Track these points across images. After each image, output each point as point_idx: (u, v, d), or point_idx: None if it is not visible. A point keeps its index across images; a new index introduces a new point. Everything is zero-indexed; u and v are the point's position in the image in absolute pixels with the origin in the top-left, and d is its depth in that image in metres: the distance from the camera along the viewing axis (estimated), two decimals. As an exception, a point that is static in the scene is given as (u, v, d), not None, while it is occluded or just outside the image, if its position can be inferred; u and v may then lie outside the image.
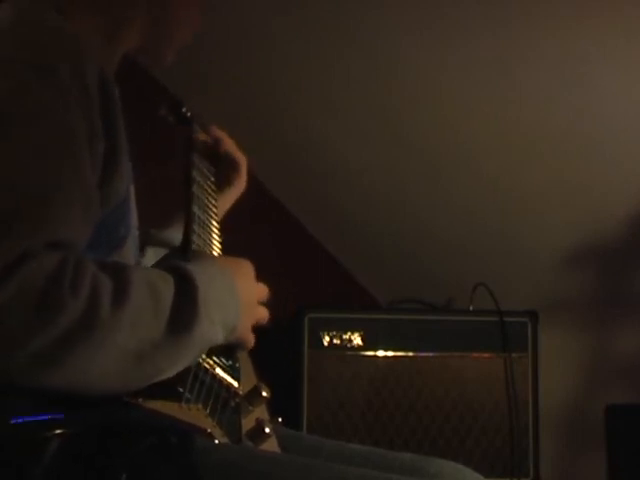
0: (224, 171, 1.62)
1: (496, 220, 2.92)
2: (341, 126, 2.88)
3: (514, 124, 2.67)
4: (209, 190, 1.53)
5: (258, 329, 1.25)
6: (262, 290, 1.26)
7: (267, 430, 1.18)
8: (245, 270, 1.23)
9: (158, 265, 1.21)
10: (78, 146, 1.09)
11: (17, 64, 1.10)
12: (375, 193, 3.03)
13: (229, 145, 1.62)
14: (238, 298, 1.16)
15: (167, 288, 1.06)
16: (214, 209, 1.51)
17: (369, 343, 2.68)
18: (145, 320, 1.02)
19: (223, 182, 1.62)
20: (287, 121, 2.94)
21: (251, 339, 1.23)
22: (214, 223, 1.48)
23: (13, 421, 0.97)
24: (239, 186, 1.65)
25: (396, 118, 2.79)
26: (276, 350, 2.40)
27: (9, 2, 1.20)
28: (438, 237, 3.04)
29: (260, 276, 1.27)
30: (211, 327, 1.09)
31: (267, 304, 1.27)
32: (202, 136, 1.63)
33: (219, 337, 1.12)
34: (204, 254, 1.33)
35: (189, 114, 1.67)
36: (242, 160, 1.64)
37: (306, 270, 3.21)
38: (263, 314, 1.25)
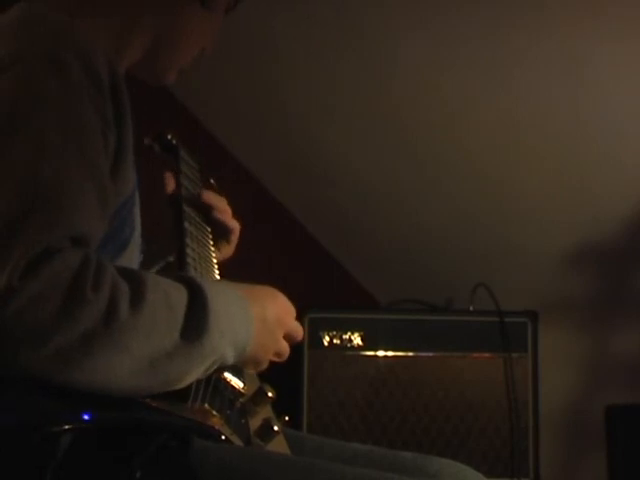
0: (215, 236, 1.55)
1: (496, 220, 2.92)
2: (341, 127, 2.88)
3: (514, 125, 2.67)
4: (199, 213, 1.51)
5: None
6: (296, 329, 1.23)
7: (276, 428, 1.18)
8: (275, 299, 1.21)
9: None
10: (92, 140, 1.10)
11: (28, 61, 1.10)
12: (375, 193, 3.03)
13: (222, 213, 1.54)
14: (251, 317, 1.14)
15: (180, 298, 1.05)
16: (208, 227, 1.50)
17: (369, 343, 2.68)
18: (160, 328, 1.02)
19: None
20: (288, 122, 2.94)
21: (264, 363, 1.20)
22: (209, 241, 1.47)
23: (27, 416, 0.98)
24: (225, 252, 1.58)
25: (396, 119, 2.79)
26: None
27: (19, 5, 1.21)
28: (438, 237, 3.04)
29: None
30: (221, 340, 1.08)
31: (292, 345, 1.23)
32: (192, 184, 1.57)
33: (229, 354, 1.10)
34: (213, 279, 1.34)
35: (174, 141, 1.63)
36: (235, 228, 1.56)
37: (306, 270, 3.21)
38: (284, 350, 1.22)
